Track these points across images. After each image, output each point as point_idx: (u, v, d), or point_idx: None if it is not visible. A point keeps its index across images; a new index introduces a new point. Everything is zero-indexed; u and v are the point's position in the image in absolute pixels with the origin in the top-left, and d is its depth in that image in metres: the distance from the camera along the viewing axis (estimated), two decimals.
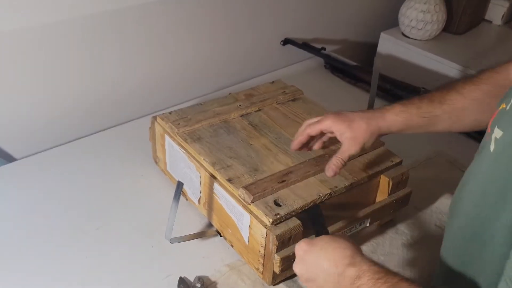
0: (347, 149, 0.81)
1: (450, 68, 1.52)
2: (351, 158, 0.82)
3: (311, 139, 0.87)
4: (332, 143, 0.91)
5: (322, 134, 0.86)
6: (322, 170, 0.88)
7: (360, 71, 1.43)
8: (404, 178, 0.93)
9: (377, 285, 0.60)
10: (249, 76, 1.47)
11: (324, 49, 1.50)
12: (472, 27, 1.73)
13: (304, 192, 0.84)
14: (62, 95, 1.15)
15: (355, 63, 1.47)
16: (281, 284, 0.85)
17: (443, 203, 1.04)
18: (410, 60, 1.61)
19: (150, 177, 1.06)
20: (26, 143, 1.13)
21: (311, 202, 0.82)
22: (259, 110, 1.04)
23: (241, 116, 1.02)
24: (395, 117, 0.81)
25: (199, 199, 0.94)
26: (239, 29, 1.40)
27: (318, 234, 0.77)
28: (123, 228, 0.95)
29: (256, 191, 0.82)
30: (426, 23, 1.58)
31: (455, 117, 0.81)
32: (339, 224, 0.86)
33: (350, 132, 0.80)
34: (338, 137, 0.82)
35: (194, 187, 0.94)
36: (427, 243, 0.95)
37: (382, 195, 0.93)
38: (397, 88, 1.34)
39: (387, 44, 1.66)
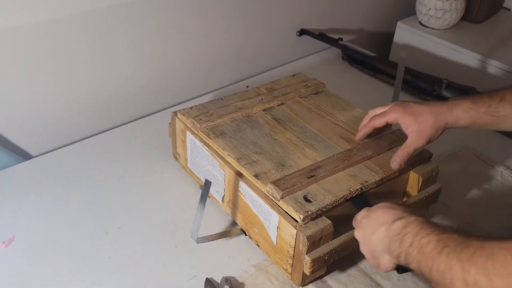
0: (413, 142, 0.82)
1: (470, 58, 1.48)
2: (416, 151, 0.83)
3: (376, 129, 0.89)
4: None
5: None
6: (352, 165, 0.86)
7: (379, 62, 1.39)
8: (434, 174, 0.90)
9: (423, 230, 0.60)
10: (265, 68, 1.44)
11: (341, 39, 1.47)
12: (491, 15, 1.69)
13: (334, 188, 0.81)
14: (76, 92, 1.12)
15: (373, 54, 1.43)
16: (310, 285, 0.83)
17: (472, 198, 1.01)
18: (427, 50, 1.57)
19: (170, 173, 1.04)
20: (42, 140, 1.11)
21: (342, 198, 0.80)
22: (281, 104, 1.01)
23: (264, 110, 0.99)
24: (463, 114, 0.81)
25: (223, 197, 0.91)
26: (254, 20, 1.36)
27: None
28: (145, 227, 0.92)
29: (285, 186, 0.79)
30: (444, 11, 1.54)
31: None
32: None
33: (417, 126, 0.81)
34: (404, 129, 0.83)
35: (218, 185, 0.91)
36: None
37: (411, 192, 0.91)
38: (418, 80, 1.30)
39: (404, 34, 1.62)
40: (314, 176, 0.82)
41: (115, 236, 0.90)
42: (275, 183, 0.80)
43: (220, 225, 0.94)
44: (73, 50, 1.07)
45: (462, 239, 0.55)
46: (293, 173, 0.83)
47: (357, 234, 0.71)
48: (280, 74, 1.19)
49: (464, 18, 1.62)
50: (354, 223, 0.74)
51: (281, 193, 0.78)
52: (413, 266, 0.60)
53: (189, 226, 0.83)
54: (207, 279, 0.82)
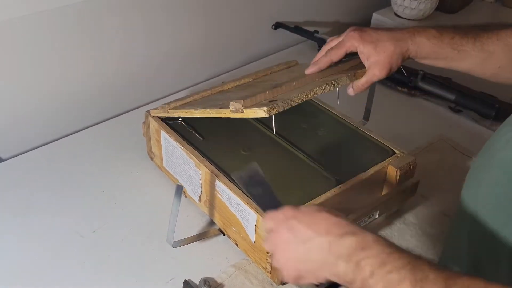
0: (374, 74, 0.78)
1: None
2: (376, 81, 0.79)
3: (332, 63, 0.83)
4: None
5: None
6: (318, 79, 0.81)
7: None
8: (412, 167, 0.90)
9: (389, 260, 0.49)
10: (241, 63, 1.42)
11: (317, 32, 1.46)
12: (465, 5, 1.69)
13: (301, 89, 0.76)
14: (44, 92, 1.09)
15: None
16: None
17: (449, 190, 1.01)
18: None
19: (145, 173, 1.02)
20: (12, 142, 1.07)
21: (311, 92, 0.74)
22: (253, 80, 1.01)
23: (236, 86, 0.99)
24: (426, 41, 0.77)
25: (200, 196, 0.90)
26: (228, 14, 1.34)
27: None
28: (121, 229, 0.90)
29: (248, 100, 0.74)
30: (419, 2, 1.53)
31: (482, 58, 0.76)
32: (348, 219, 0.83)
33: (377, 55, 0.76)
34: (362, 59, 0.79)
35: (194, 184, 0.90)
36: (436, 233, 0.92)
37: (389, 186, 0.90)
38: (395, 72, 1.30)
39: (379, 25, 1.61)
40: (278, 87, 0.78)
41: (90, 239, 0.88)
42: (237, 100, 0.74)
43: (198, 225, 0.92)
44: (39, 49, 1.03)
45: (442, 279, 0.47)
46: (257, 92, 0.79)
47: (278, 238, 0.56)
48: (255, 69, 1.17)
49: (438, 8, 1.62)
50: (267, 222, 0.58)
51: (243, 102, 0.73)
52: None
53: (166, 228, 0.82)
54: (185, 281, 0.81)
